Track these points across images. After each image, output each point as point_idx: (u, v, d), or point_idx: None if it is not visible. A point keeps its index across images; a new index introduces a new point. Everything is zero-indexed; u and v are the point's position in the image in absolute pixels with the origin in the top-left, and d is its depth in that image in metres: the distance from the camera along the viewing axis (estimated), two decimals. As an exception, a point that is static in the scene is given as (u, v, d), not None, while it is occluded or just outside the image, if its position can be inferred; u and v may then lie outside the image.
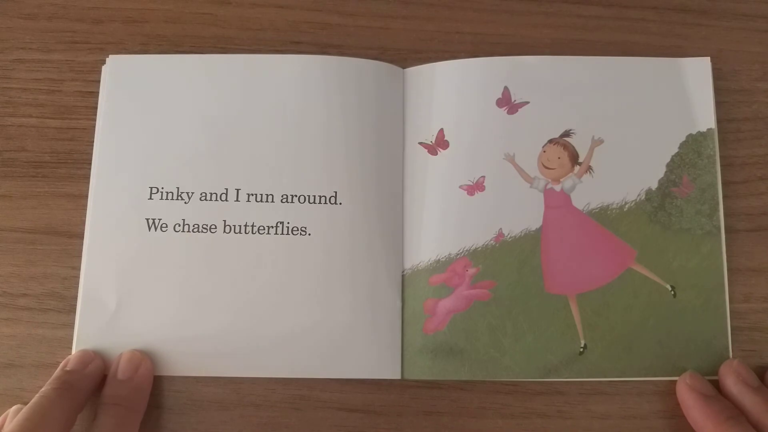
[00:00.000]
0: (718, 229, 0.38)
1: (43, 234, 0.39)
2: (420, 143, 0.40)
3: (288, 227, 0.38)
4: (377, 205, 0.39)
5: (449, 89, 0.40)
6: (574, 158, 0.39)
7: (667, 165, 0.39)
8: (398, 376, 0.37)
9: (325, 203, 0.38)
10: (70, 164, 0.40)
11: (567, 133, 0.39)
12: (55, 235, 0.39)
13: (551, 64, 0.40)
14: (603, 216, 0.39)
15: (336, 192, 0.38)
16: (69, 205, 0.39)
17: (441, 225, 0.39)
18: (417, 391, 0.38)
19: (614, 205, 0.39)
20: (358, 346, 0.37)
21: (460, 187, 0.39)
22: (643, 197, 0.39)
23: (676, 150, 0.39)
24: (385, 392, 0.38)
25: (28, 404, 0.32)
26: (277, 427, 0.37)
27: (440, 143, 0.39)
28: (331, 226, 0.38)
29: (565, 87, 0.40)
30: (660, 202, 0.39)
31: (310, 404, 0.38)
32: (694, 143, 0.39)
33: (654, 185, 0.39)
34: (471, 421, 0.38)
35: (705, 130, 0.39)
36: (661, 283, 0.38)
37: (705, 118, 0.39)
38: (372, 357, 0.37)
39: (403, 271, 0.38)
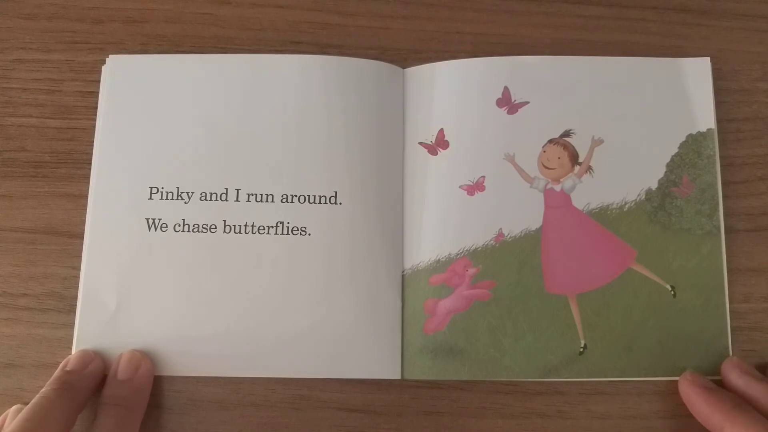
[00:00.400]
0: (718, 229, 0.38)
1: (43, 234, 0.39)
2: (420, 143, 0.40)
3: (288, 227, 0.38)
4: (377, 205, 0.39)
5: (449, 89, 0.40)
6: (574, 158, 0.39)
7: (667, 165, 0.39)
8: (398, 376, 0.37)
9: (325, 203, 0.38)
10: (70, 164, 0.40)
11: (567, 133, 0.39)
12: (55, 235, 0.39)
13: (551, 64, 0.40)
14: (603, 216, 0.39)
15: (336, 192, 0.38)
16: (69, 205, 0.39)
17: (441, 225, 0.39)
18: (417, 391, 0.38)
19: (614, 205, 0.39)
20: (359, 346, 0.37)
21: (460, 187, 0.39)
22: (643, 197, 0.39)
23: (675, 150, 0.39)
24: (385, 392, 0.38)
25: (29, 405, 0.32)
26: (277, 427, 0.37)
27: (440, 143, 0.39)
28: (331, 226, 0.38)
29: (565, 87, 0.40)
30: (660, 202, 0.39)
31: (310, 404, 0.38)
32: (694, 143, 0.39)
33: (654, 185, 0.39)
34: (471, 421, 0.38)
35: (705, 130, 0.39)
36: (661, 283, 0.38)
37: (705, 118, 0.39)
38: (372, 357, 0.37)
39: (403, 271, 0.38)
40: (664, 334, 0.37)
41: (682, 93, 0.40)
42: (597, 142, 0.39)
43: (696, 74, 0.40)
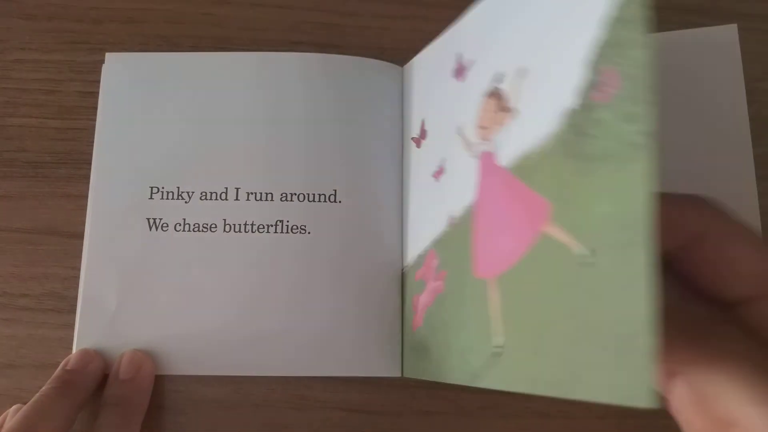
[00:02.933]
0: (649, 137, 0.21)
1: (43, 234, 0.39)
2: (412, 138, 0.39)
3: (288, 226, 0.38)
4: (376, 202, 0.39)
5: (426, 76, 0.39)
6: (503, 106, 0.29)
7: (589, 62, 0.24)
8: (398, 374, 0.37)
9: (325, 201, 0.38)
10: (70, 164, 0.40)
11: (498, 79, 0.30)
12: (55, 235, 0.39)
13: (493, 9, 0.31)
14: (522, 167, 0.27)
15: (335, 190, 0.38)
16: (69, 205, 0.39)
17: (418, 218, 0.37)
18: (417, 391, 0.38)
19: (536, 148, 0.27)
20: (359, 345, 0.37)
21: (432, 175, 0.36)
22: (565, 126, 0.25)
23: (596, 34, 0.24)
24: (385, 392, 0.38)
25: (28, 402, 0.32)
26: (277, 427, 0.37)
27: (423, 134, 0.38)
28: (331, 225, 0.38)
29: (500, 27, 0.31)
30: (582, 122, 0.24)
31: (310, 404, 0.38)
32: (619, 20, 0.23)
33: (577, 102, 0.24)
34: (471, 421, 0.37)
35: None
36: (576, 247, 0.23)
37: None
38: (372, 354, 0.37)
39: (402, 268, 0.38)
40: (578, 326, 0.23)
41: None
42: (521, 74, 0.28)
43: None
